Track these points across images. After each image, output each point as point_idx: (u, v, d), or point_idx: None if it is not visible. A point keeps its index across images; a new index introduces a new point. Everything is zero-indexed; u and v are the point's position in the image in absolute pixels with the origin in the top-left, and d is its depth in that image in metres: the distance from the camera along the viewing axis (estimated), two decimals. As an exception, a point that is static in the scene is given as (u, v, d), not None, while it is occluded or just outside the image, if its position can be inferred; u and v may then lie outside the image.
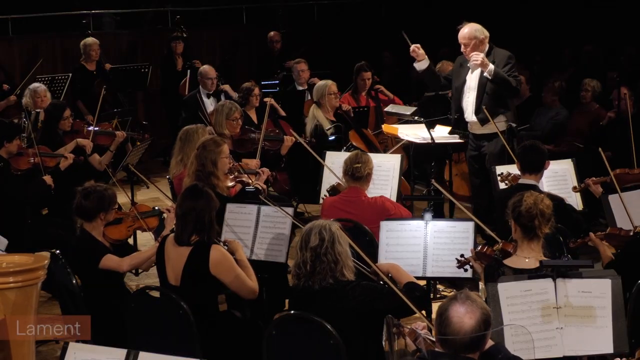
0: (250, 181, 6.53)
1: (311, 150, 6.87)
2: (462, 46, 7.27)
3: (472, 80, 7.32)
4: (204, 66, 9.80)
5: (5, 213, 6.72)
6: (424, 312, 4.41)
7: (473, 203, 7.67)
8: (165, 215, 5.78)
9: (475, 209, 7.47)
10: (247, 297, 4.93)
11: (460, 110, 7.41)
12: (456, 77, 7.47)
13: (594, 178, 6.25)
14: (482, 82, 7.22)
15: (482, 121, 7.23)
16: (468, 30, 7.22)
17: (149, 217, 5.84)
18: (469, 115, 7.32)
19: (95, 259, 5.14)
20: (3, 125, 7.23)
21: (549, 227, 4.59)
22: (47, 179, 6.93)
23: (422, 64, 7.54)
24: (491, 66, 7.14)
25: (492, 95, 7.20)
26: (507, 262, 4.55)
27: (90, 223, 5.28)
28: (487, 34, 7.25)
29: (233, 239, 5.44)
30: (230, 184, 6.35)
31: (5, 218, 6.69)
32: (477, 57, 7.15)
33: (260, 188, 6.31)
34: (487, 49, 7.25)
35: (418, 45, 7.52)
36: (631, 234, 5.22)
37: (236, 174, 6.49)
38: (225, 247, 4.98)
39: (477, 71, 7.25)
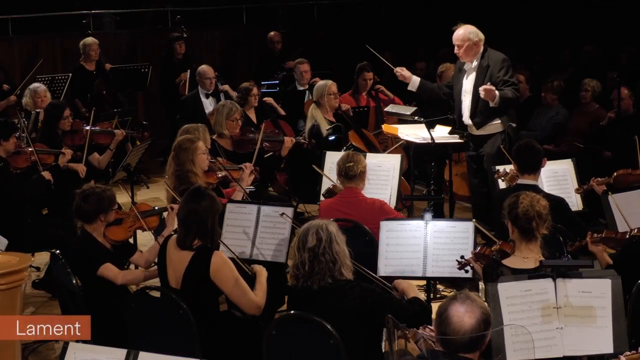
0: (232, 177, 6.53)
1: (320, 171, 6.79)
2: (456, 47, 7.29)
3: (467, 84, 7.36)
4: (202, 66, 9.80)
5: (5, 213, 6.73)
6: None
7: (472, 203, 7.68)
8: (165, 214, 5.78)
9: (474, 209, 7.50)
10: (249, 312, 4.80)
11: (459, 113, 7.45)
12: (455, 82, 7.53)
13: (598, 179, 6.24)
14: (478, 86, 7.25)
15: (477, 125, 7.30)
16: (462, 32, 7.23)
17: (149, 217, 5.83)
18: (466, 118, 7.36)
19: (94, 265, 5.13)
20: None
21: (546, 227, 4.58)
22: (46, 174, 6.93)
23: (414, 83, 7.61)
24: (497, 95, 7.08)
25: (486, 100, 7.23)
26: (506, 262, 4.54)
27: (90, 225, 5.27)
28: (481, 36, 7.25)
29: (232, 239, 5.44)
30: (213, 180, 6.35)
31: (5, 218, 6.69)
32: (483, 92, 7.06)
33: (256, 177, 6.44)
34: (481, 51, 7.26)
35: (402, 67, 7.56)
36: (627, 236, 5.19)
37: (217, 171, 6.48)
38: (251, 273, 4.90)
39: (472, 75, 7.29)
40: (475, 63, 7.27)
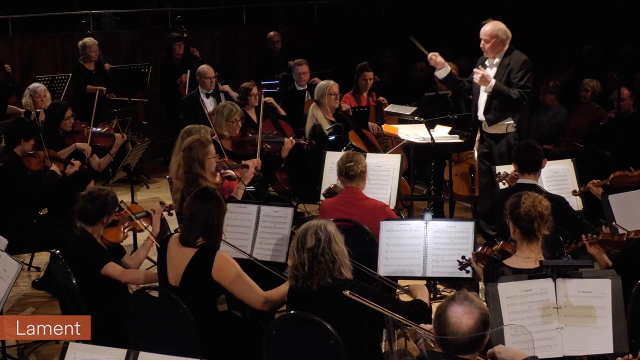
0: (237, 176, 6.54)
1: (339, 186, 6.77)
2: (482, 42, 7.27)
3: None
4: (202, 66, 9.80)
5: (5, 213, 6.73)
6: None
7: (480, 202, 7.63)
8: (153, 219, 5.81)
9: (481, 209, 7.47)
10: (256, 306, 4.82)
11: (475, 107, 7.45)
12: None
13: (595, 181, 6.24)
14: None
15: (490, 122, 7.27)
16: (490, 28, 7.21)
17: (142, 218, 5.84)
18: (480, 114, 7.36)
19: (97, 264, 5.14)
20: (24, 123, 7.30)
21: (547, 227, 4.58)
22: (56, 168, 7.05)
23: (442, 72, 7.50)
24: (492, 82, 7.14)
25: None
26: (507, 262, 4.54)
27: (92, 226, 5.28)
28: (509, 35, 7.22)
29: (232, 239, 5.44)
30: (218, 180, 6.35)
31: (6, 218, 6.70)
32: (477, 75, 7.18)
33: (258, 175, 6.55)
34: (506, 49, 7.24)
35: (435, 53, 7.44)
36: (624, 238, 5.18)
37: (222, 170, 6.49)
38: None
39: (493, 72, 7.26)
40: (497, 60, 7.25)
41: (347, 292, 4.10)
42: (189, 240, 4.80)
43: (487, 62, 7.33)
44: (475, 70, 7.24)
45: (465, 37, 13.39)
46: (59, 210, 7.05)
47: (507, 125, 7.21)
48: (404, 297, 5.15)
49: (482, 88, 7.30)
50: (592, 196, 6.33)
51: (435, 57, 7.42)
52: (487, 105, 7.26)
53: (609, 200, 5.73)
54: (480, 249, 4.89)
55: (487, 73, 7.18)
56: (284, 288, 4.72)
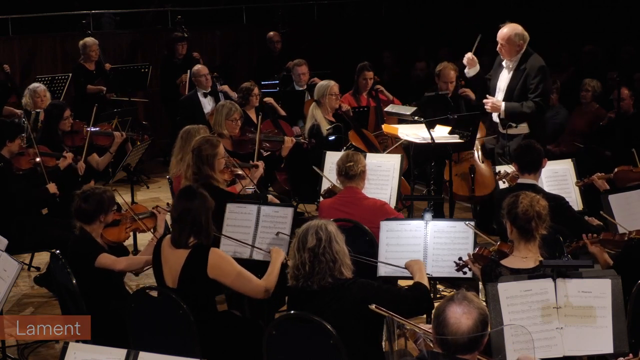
0: (246, 174, 6.55)
1: (321, 173, 6.77)
2: (499, 44, 7.30)
3: (502, 81, 7.38)
4: (196, 65, 9.82)
5: (5, 213, 6.73)
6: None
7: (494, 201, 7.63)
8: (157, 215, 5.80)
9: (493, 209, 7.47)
10: (257, 297, 4.84)
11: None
12: (493, 76, 7.55)
13: (599, 174, 6.25)
14: (511, 87, 7.26)
15: (503, 125, 7.30)
16: (507, 31, 7.22)
17: (145, 219, 5.84)
18: (495, 116, 7.40)
19: (91, 257, 5.14)
20: (5, 124, 7.29)
21: (545, 227, 4.57)
22: (51, 187, 6.97)
23: (472, 71, 7.57)
24: (502, 107, 7.21)
25: (517, 101, 7.23)
26: (504, 262, 4.53)
27: (89, 225, 5.28)
28: (526, 38, 7.23)
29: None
30: (227, 177, 6.35)
31: (6, 218, 6.70)
32: (487, 106, 7.29)
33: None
34: (522, 52, 7.24)
35: (472, 56, 7.52)
36: (625, 238, 5.17)
37: (232, 168, 6.50)
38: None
39: (508, 75, 7.29)
40: (514, 63, 7.27)
41: (372, 307, 4.10)
42: (181, 242, 4.80)
43: (503, 63, 7.37)
44: (485, 100, 7.31)
45: (465, 37, 13.44)
46: (58, 210, 7.04)
47: (521, 127, 7.24)
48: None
49: (498, 88, 7.34)
50: (591, 196, 6.33)
51: (473, 57, 7.50)
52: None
53: (609, 200, 5.73)
54: (477, 249, 4.89)
55: (494, 100, 7.27)
56: (274, 269, 4.79)
